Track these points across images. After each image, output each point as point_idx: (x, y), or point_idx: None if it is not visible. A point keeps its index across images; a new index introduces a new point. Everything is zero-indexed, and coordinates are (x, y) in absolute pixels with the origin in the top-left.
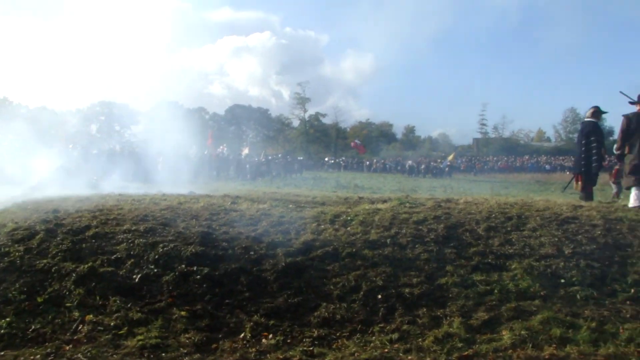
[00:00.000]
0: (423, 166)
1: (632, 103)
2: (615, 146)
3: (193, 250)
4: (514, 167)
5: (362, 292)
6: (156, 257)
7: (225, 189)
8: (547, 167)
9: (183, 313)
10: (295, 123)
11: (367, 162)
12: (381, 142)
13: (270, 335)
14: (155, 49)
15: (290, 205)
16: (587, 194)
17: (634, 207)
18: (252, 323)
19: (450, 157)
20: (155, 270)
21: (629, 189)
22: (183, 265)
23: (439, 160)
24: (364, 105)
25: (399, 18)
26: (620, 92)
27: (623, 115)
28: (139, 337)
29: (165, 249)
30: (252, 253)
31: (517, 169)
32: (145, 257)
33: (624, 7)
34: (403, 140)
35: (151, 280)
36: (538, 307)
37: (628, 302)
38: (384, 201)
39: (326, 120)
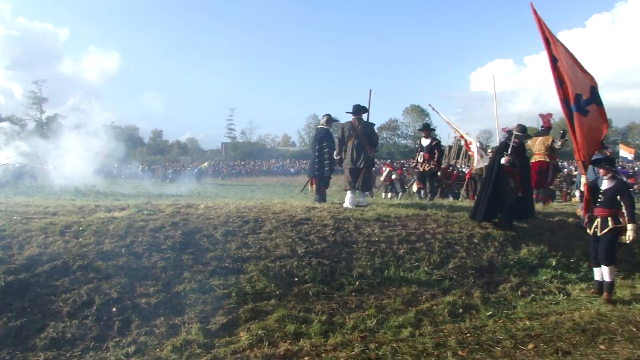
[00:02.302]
0: (171, 170)
1: (348, 113)
2: (334, 152)
3: None
4: (261, 170)
5: (95, 307)
6: None
7: None
8: (292, 170)
9: None
10: (31, 125)
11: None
12: (127, 146)
13: None
14: None
15: (15, 217)
16: (321, 196)
17: (347, 207)
18: None
19: (204, 165)
20: None
21: (345, 190)
22: None
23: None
24: (109, 108)
25: (145, 15)
26: (429, 105)
27: (340, 124)
28: None
29: None
30: None
31: (264, 172)
32: None
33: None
34: (150, 145)
35: None
36: (274, 306)
37: (353, 294)
38: (122, 209)
39: (67, 123)
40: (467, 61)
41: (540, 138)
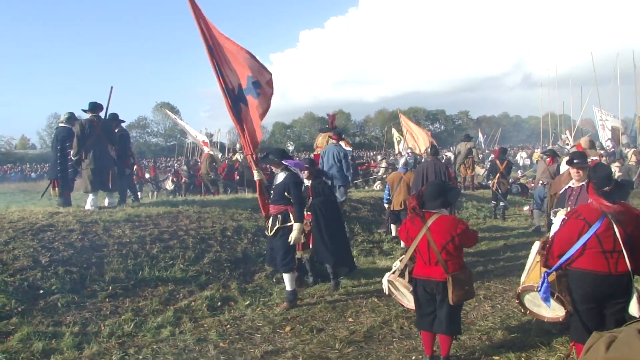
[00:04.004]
0: None
1: (85, 111)
2: (72, 152)
3: None
4: None
5: None
6: None
7: None
8: (34, 175)
9: None
10: None
11: None
12: None
13: None
14: None
15: None
16: (65, 200)
17: (89, 209)
18: None
19: None
20: None
21: (87, 192)
22: None
23: None
24: None
25: None
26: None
27: (77, 122)
28: None
29: None
30: None
31: (0, 179)
32: None
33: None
34: None
35: None
36: (16, 325)
37: (107, 300)
38: None
39: None
40: None
41: (323, 134)
